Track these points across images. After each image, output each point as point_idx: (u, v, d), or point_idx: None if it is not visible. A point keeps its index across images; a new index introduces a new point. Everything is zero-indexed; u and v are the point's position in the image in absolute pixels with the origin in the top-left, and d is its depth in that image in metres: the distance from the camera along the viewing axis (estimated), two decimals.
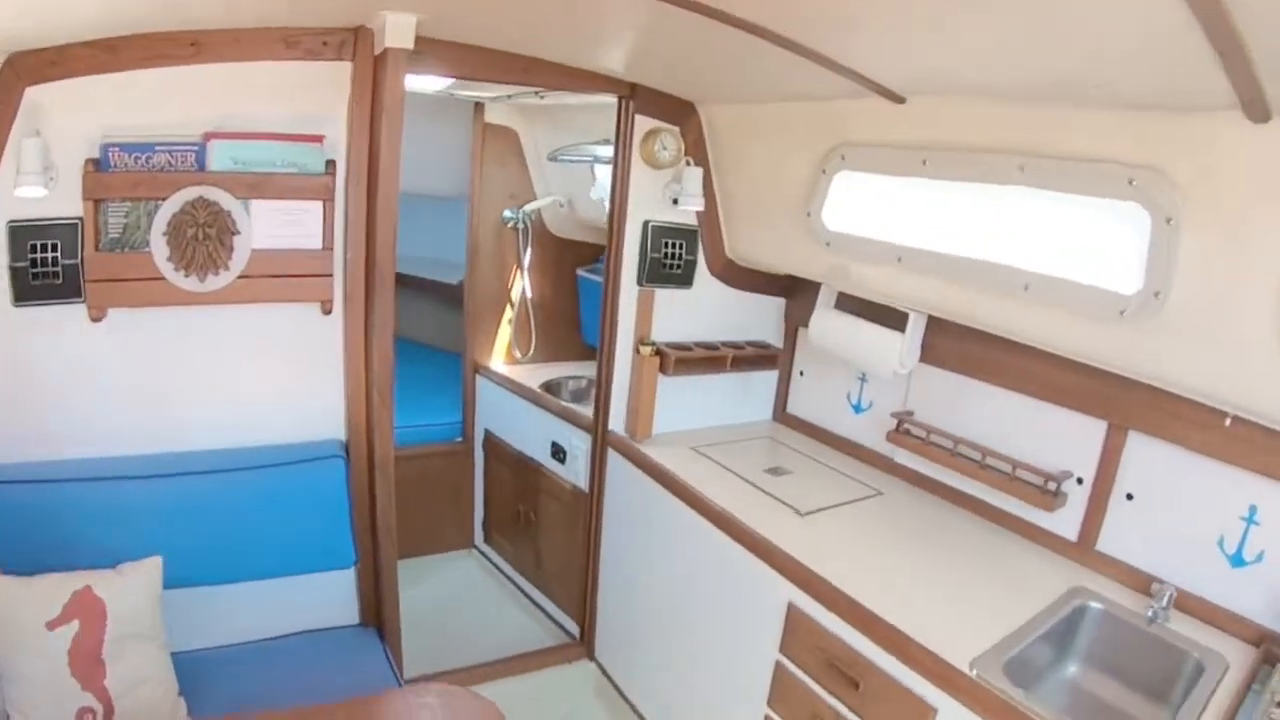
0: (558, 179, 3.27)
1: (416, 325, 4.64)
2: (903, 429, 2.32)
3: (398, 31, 1.75)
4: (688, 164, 2.41)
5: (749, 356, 2.68)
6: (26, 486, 1.80)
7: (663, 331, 2.61)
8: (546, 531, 3.13)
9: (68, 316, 1.82)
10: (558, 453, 2.96)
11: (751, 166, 2.36)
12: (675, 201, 2.44)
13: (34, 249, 1.79)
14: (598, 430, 2.66)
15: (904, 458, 2.39)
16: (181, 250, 1.86)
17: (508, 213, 3.34)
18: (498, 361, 3.51)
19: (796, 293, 2.73)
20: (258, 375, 2.05)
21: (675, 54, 2.00)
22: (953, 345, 2.18)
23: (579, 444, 2.83)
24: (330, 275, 1.99)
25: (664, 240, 2.54)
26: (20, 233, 1.78)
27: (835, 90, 1.83)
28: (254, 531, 2.00)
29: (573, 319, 3.55)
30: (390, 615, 2.25)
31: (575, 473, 2.87)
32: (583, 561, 2.80)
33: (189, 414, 2.01)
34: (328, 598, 2.24)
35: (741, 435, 2.72)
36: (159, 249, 1.85)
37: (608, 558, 2.74)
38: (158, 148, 1.83)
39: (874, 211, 1.98)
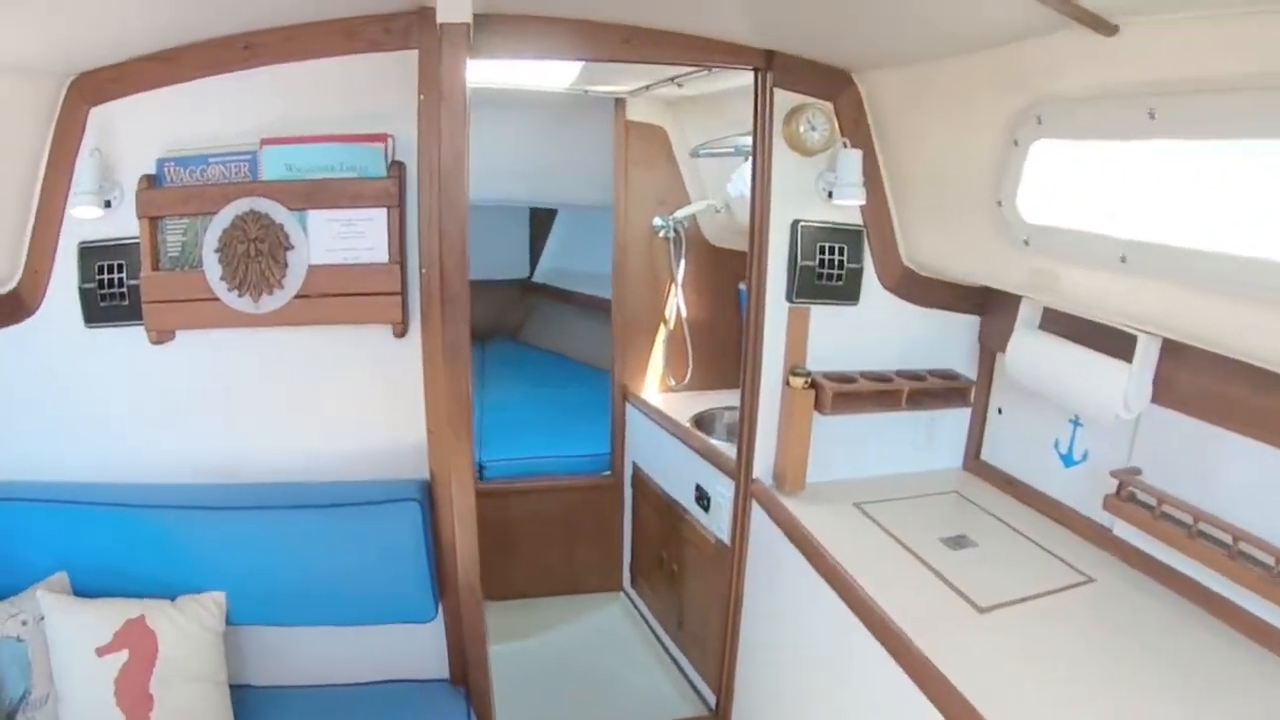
0: (713, 181, 2.86)
1: (576, 344, 4.47)
2: (1125, 493, 1.64)
3: (450, 3, 1.46)
4: (844, 147, 1.88)
5: (932, 390, 2.08)
6: (96, 509, 1.78)
7: (821, 358, 2.10)
8: (689, 585, 2.72)
9: (132, 338, 1.78)
10: (701, 498, 2.53)
11: (926, 144, 1.79)
12: (830, 195, 1.93)
13: (101, 270, 1.77)
14: (740, 478, 2.19)
15: (1126, 531, 1.70)
16: (233, 268, 1.71)
17: (658, 221, 2.99)
18: (651, 388, 3.16)
19: (992, 308, 2.09)
20: (325, 406, 1.89)
21: (821, 8, 1.54)
22: (1198, 381, 1.50)
23: (723, 491, 2.38)
24: (399, 293, 1.73)
25: (819, 244, 2.03)
26: (89, 254, 1.78)
27: (1023, 25, 1.28)
28: (324, 575, 1.86)
29: (734, 341, 3.09)
30: (477, 677, 1.97)
31: (719, 524, 2.43)
32: (722, 626, 2.35)
33: (256, 444, 1.90)
34: (411, 649, 2.02)
35: (920, 488, 2.14)
36: (211, 268, 1.72)
37: (749, 627, 2.27)
38: (211, 159, 1.72)
39: (1085, 194, 1.38)
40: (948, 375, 2.13)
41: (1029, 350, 1.76)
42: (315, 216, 1.72)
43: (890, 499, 2.07)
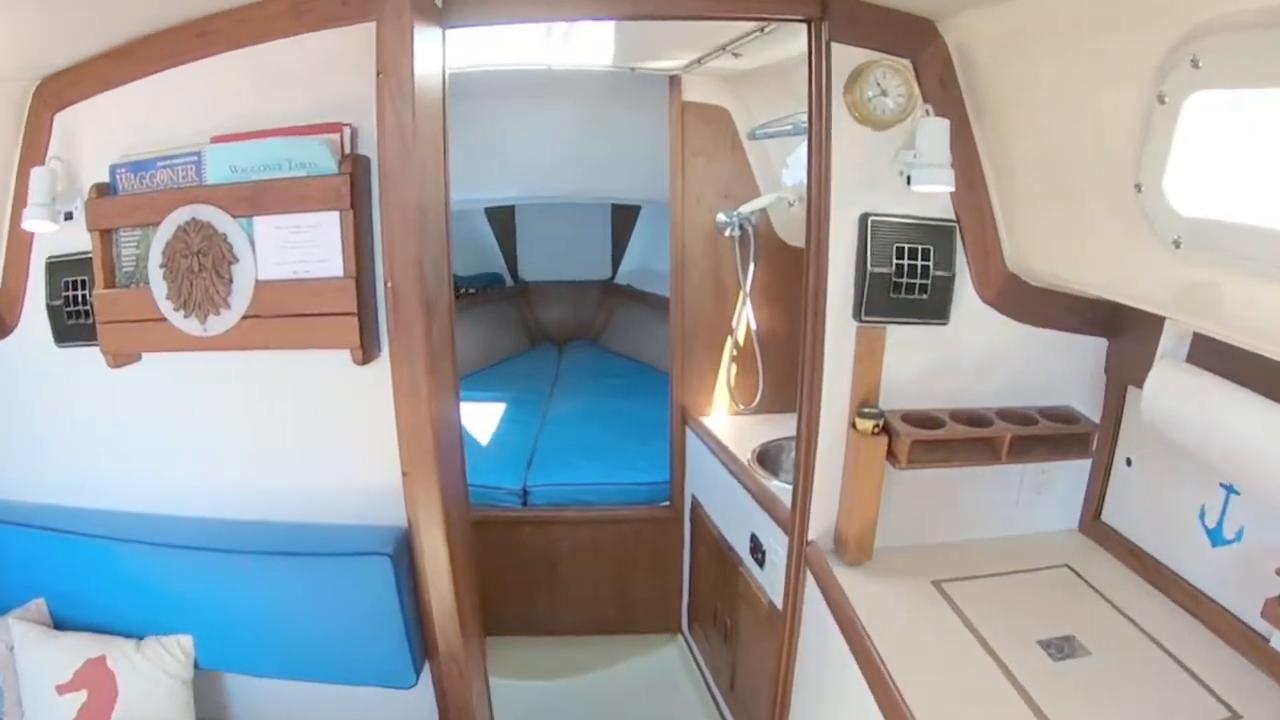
0: (790, 177, 2.41)
1: (655, 350, 4.09)
2: None
3: None
4: (926, 115, 1.42)
5: (1044, 436, 1.57)
6: (71, 538, 1.70)
7: (898, 392, 1.65)
8: (742, 645, 2.31)
9: (97, 360, 1.60)
10: (756, 551, 2.11)
11: (1036, 108, 1.31)
12: (909, 180, 1.47)
13: (68, 286, 1.64)
14: (794, 538, 1.77)
15: None
16: (178, 286, 1.48)
17: (722, 217, 2.58)
18: (719, 410, 2.76)
19: (1125, 329, 1.59)
20: (286, 442, 1.65)
21: None
22: None
23: (777, 547, 1.96)
24: (355, 313, 1.43)
25: (897, 245, 1.58)
26: (56, 269, 1.65)
27: None
28: (296, 627, 1.68)
29: None
30: None
31: (773, 584, 2.00)
32: (770, 702, 1.93)
33: (224, 478, 1.70)
34: (394, 711, 1.76)
35: (1022, 558, 1.67)
36: (157, 285, 1.51)
37: (799, 708, 1.86)
38: (160, 164, 1.50)
39: (1265, 172, 0.89)
40: (1063, 416, 1.62)
41: (1174, 390, 1.24)
42: (261, 224, 1.46)
43: (981, 574, 1.61)
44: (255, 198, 1.43)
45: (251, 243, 1.46)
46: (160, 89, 1.54)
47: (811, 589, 1.72)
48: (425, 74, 1.34)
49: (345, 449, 1.61)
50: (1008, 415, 1.61)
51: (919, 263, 1.59)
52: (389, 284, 1.40)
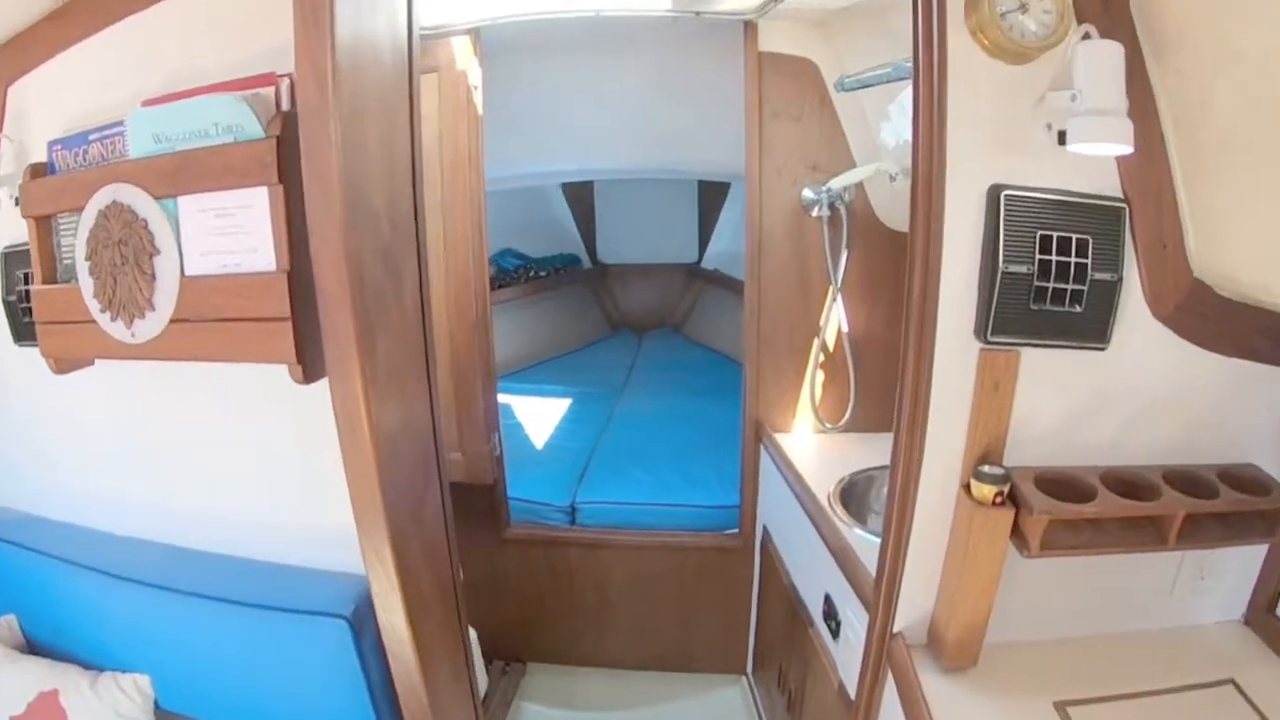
0: (890, 130, 1.92)
1: (737, 339, 3.64)
2: None
3: None
4: (1086, 40, 0.93)
5: (1224, 514, 1.07)
6: (36, 556, 1.54)
7: (1028, 441, 1.19)
8: (807, 716, 1.88)
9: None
10: (830, 616, 1.68)
11: (1245, 32, 0.81)
12: (1061, 137, 0.98)
13: (24, 279, 1.42)
14: (875, 623, 1.33)
15: None
16: (103, 283, 1.20)
17: (808, 193, 2.11)
18: (800, 428, 2.32)
19: None
20: (240, 470, 1.36)
21: None
22: None
23: (855, 622, 1.52)
24: (289, 318, 1.10)
25: (1040, 232, 1.10)
26: (12, 259, 1.45)
27: None
28: (254, 683, 1.42)
29: None
30: None
31: (846, 664, 1.57)
32: None
33: (181, 504, 1.44)
34: None
35: (1169, 668, 1.23)
36: (85, 282, 1.23)
37: None
38: (92, 136, 1.23)
39: None
40: (1250, 482, 1.13)
41: None
42: (186, 206, 1.15)
43: (1119, 694, 1.16)
44: (178, 173, 1.12)
45: (176, 230, 1.15)
46: (97, 49, 1.29)
47: (891, 695, 1.28)
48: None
49: (299, 484, 1.30)
50: (1176, 479, 1.12)
51: (1071, 259, 1.11)
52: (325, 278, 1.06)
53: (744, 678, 2.56)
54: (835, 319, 2.19)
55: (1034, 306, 1.13)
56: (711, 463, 2.71)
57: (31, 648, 1.60)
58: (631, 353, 4.28)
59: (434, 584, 1.25)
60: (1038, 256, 1.12)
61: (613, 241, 4.61)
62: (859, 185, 2.09)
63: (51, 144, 1.28)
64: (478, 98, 2.12)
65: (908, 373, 1.16)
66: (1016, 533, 1.15)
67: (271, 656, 1.37)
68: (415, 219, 1.18)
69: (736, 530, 2.46)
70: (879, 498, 1.93)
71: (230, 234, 1.12)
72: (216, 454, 1.38)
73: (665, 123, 2.60)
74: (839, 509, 1.80)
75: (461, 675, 1.39)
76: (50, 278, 1.29)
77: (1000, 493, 1.14)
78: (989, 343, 1.14)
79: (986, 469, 1.15)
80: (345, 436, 1.06)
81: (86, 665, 1.52)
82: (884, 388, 2.20)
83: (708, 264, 4.50)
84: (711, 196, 4.36)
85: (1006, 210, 1.11)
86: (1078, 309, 1.13)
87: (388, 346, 1.08)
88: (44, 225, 1.29)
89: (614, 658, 2.60)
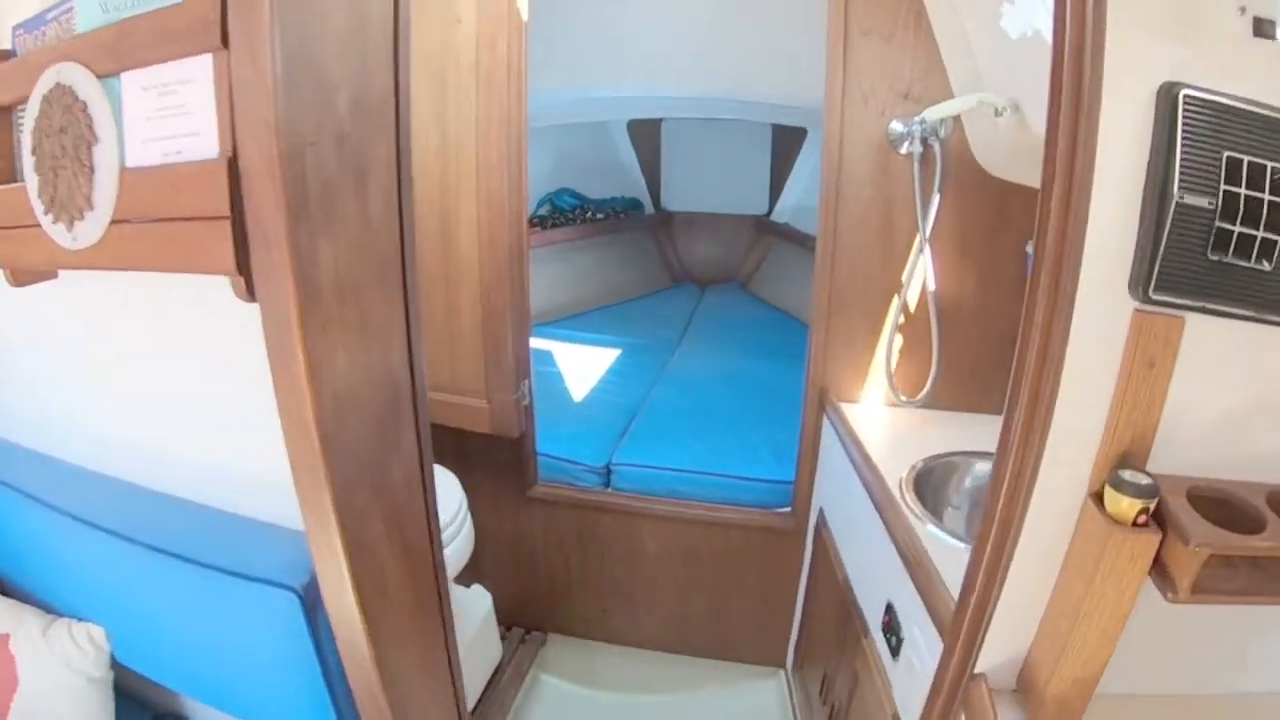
0: (1000, 57, 1.55)
1: (806, 300, 3.30)
2: None
3: None
4: None
5: None
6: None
7: (1180, 443, 0.87)
8: None
9: None
10: (890, 630, 1.40)
11: None
12: (1259, 27, 0.66)
13: None
14: (953, 658, 1.04)
15: None
16: (47, 179, 1.00)
17: (898, 125, 1.77)
18: (870, 399, 2.01)
19: None
20: (189, 404, 1.15)
21: None
22: None
23: (921, 644, 1.24)
24: (227, 217, 0.85)
25: (1225, 153, 0.77)
26: None
27: None
28: (205, 647, 1.24)
29: (1012, 339, 1.81)
30: None
31: (905, 693, 1.30)
32: None
33: (132, 437, 1.25)
34: None
35: None
36: (30, 178, 1.03)
37: None
38: (50, 15, 1.02)
39: None
40: None
41: None
42: (130, 85, 0.92)
43: None
44: (118, 44, 0.89)
45: (118, 114, 0.93)
46: None
47: None
48: None
49: (253, 424, 1.08)
50: None
51: (1265, 197, 0.78)
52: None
53: (782, 672, 2.32)
54: (920, 275, 1.85)
55: (1213, 257, 0.81)
56: (766, 432, 2.43)
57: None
58: (691, 306, 3.99)
59: (402, 564, 1.03)
60: (1223, 187, 0.79)
61: (679, 187, 4.29)
62: (956, 121, 1.73)
63: (15, 29, 1.09)
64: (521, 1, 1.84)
65: (1032, 337, 0.85)
66: (1159, 568, 0.85)
67: (220, 622, 1.18)
68: (396, 102, 0.92)
69: (789, 509, 2.18)
70: (959, 490, 1.62)
71: (173, 115, 0.88)
72: (166, 384, 1.17)
73: (737, 43, 2.27)
74: (911, 499, 1.49)
75: (437, 667, 1.18)
76: (10, 177, 1.10)
77: (1146, 509, 0.83)
78: (1150, 301, 0.82)
79: (1128, 475, 0.84)
80: (277, 374, 0.83)
81: (47, 608, 1.38)
82: (972, 360, 1.88)
83: (778, 217, 4.14)
84: (786, 144, 3.98)
85: (1186, 118, 0.78)
86: (1266, 266, 0.80)
87: (339, 259, 0.84)
88: (4, 117, 1.10)
89: (641, 637, 2.39)
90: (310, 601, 1.05)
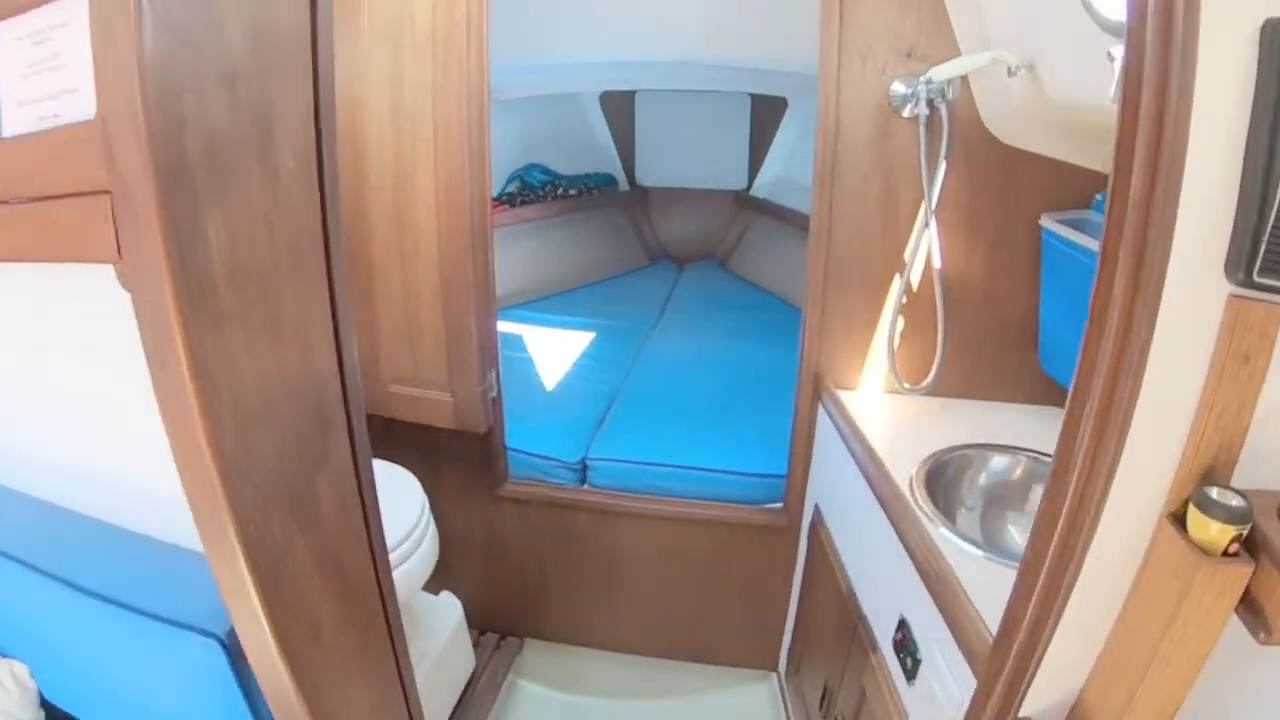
0: (1013, 11, 1.39)
1: (795, 281, 3.14)
2: None
3: None
4: None
5: None
6: None
7: (1268, 455, 0.71)
8: None
9: None
10: (904, 648, 1.25)
11: None
12: None
13: None
14: (993, 697, 0.89)
15: None
16: None
17: (900, 86, 1.61)
18: (870, 386, 1.86)
19: None
20: (88, 412, 0.97)
21: None
22: None
23: (944, 667, 1.10)
24: (106, 192, 0.67)
25: None
26: None
27: None
28: (129, 691, 1.08)
29: (1024, 321, 1.67)
30: None
31: (922, 716, 1.16)
32: None
33: (44, 451, 1.08)
34: None
35: None
36: None
37: None
38: None
39: None
40: None
41: None
42: (2, 36, 0.73)
43: None
44: None
45: None
46: None
47: None
48: None
49: (158, 435, 0.91)
50: None
51: None
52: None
53: (775, 675, 2.19)
54: (925, 250, 1.70)
55: None
56: (754, 420, 2.28)
57: None
58: (669, 285, 3.82)
59: (339, 602, 0.86)
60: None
61: (654, 163, 4.09)
62: (964, 82, 1.57)
63: None
64: None
65: (1108, 325, 0.69)
66: (1247, 601, 0.70)
67: (139, 665, 1.01)
68: (313, 37, 0.73)
69: (780, 505, 2.04)
70: (973, 489, 1.48)
71: (49, 69, 0.69)
72: (65, 391, 0.99)
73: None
74: (923, 499, 1.35)
75: (391, 708, 1.01)
76: None
77: (1239, 536, 0.69)
78: (1252, 285, 0.67)
79: (1216, 495, 0.70)
80: (157, 382, 0.65)
81: None
82: (980, 343, 1.74)
83: (758, 192, 3.97)
84: (765, 117, 3.81)
85: None
86: None
87: (235, 237, 0.66)
88: None
89: (624, 641, 2.25)
90: (236, 649, 0.88)
